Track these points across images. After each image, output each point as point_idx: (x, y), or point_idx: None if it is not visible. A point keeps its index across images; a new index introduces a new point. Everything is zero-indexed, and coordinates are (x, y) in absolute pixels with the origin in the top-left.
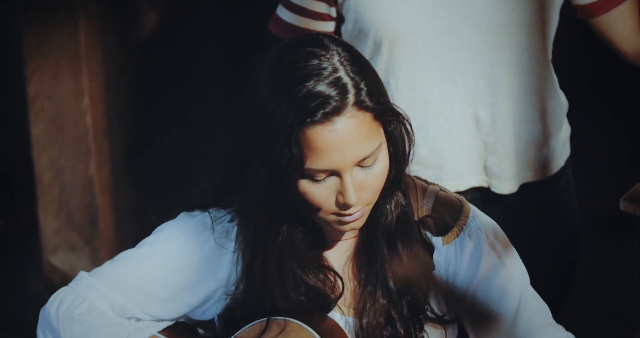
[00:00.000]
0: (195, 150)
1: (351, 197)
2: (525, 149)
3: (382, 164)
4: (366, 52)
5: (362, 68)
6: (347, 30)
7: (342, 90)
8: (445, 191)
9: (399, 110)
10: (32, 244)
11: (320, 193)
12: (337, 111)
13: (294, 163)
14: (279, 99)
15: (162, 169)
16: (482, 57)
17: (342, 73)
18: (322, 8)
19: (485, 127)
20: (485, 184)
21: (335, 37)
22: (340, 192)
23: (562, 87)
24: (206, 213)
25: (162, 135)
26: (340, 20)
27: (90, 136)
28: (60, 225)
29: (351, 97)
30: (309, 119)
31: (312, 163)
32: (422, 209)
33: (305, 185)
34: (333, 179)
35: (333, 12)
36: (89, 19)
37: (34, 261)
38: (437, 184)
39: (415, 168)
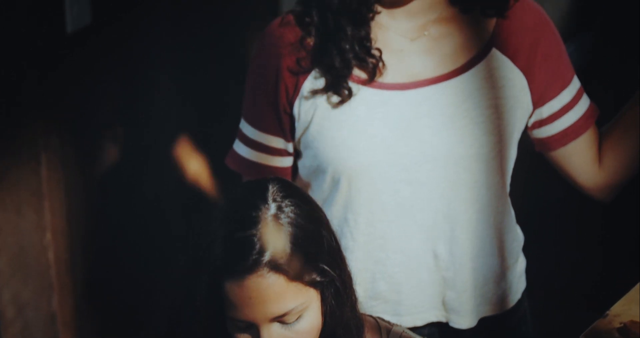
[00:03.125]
0: (157, 284)
1: None
2: (483, 284)
3: (308, 323)
4: (324, 188)
5: (301, 227)
6: (304, 165)
7: (260, 249)
8: (408, 333)
9: (332, 272)
10: None
11: (243, 336)
12: (248, 269)
13: (214, 305)
14: (210, 240)
15: (125, 304)
16: (440, 192)
17: (267, 230)
18: (280, 143)
19: (443, 262)
20: (443, 319)
21: (287, 188)
22: None
23: (517, 221)
24: None
25: (125, 268)
26: (297, 155)
27: (53, 271)
28: None
29: (267, 257)
30: (223, 271)
31: (229, 311)
32: None
33: (230, 325)
34: (254, 329)
35: (290, 147)
36: (50, 154)
37: None
38: (401, 326)
39: (374, 303)
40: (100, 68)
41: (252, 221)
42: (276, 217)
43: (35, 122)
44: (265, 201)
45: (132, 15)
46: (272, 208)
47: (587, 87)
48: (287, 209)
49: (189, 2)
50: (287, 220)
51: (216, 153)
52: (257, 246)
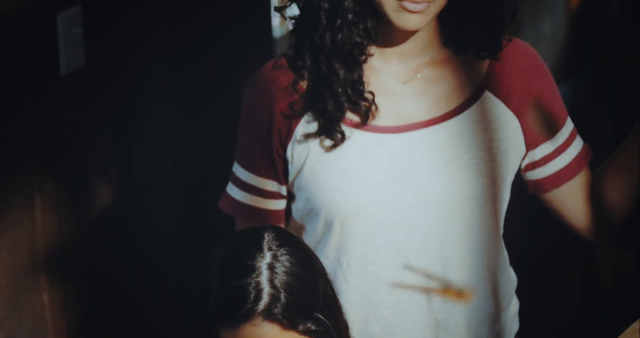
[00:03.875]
0: (153, 327)
1: None
2: (477, 326)
3: None
4: (317, 231)
5: (296, 276)
6: (297, 208)
7: (255, 297)
8: None
9: (327, 321)
10: None
11: None
12: (243, 318)
13: None
14: (205, 289)
15: None
16: (433, 235)
17: (263, 279)
18: (273, 187)
19: (437, 304)
20: None
21: (283, 236)
22: None
23: (511, 263)
24: None
25: (120, 310)
26: (291, 198)
27: (48, 313)
28: None
29: (261, 306)
30: (218, 320)
31: None
32: None
33: None
34: None
35: (284, 190)
36: (44, 196)
37: None
38: None
39: None
40: (94, 110)
41: (247, 270)
42: (271, 266)
43: (29, 164)
44: (260, 249)
45: (127, 57)
46: (268, 256)
47: (581, 127)
48: (282, 258)
49: (183, 43)
50: (283, 268)
51: (211, 194)
52: (252, 295)
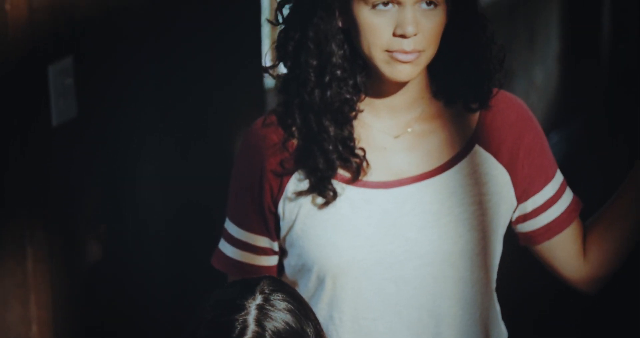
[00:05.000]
0: None
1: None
2: None
3: None
4: (310, 287)
5: (285, 321)
6: (290, 264)
7: (240, 332)
8: None
9: None
10: None
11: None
12: None
13: None
14: (196, 325)
15: None
16: (425, 289)
17: (250, 317)
18: (265, 243)
19: None
20: None
21: (277, 283)
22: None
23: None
24: None
25: None
26: (283, 253)
27: None
28: None
29: None
30: None
31: None
32: None
33: None
34: None
35: (276, 246)
36: (36, 247)
37: None
38: None
39: None
40: (85, 161)
41: (237, 308)
42: (261, 307)
43: (20, 215)
44: (253, 292)
45: (118, 109)
46: (259, 298)
47: (571, 177)
48: (274, 302)
49: (174, 95)
50: (272, 312)
51: (203, 248)
52: (237, 329)
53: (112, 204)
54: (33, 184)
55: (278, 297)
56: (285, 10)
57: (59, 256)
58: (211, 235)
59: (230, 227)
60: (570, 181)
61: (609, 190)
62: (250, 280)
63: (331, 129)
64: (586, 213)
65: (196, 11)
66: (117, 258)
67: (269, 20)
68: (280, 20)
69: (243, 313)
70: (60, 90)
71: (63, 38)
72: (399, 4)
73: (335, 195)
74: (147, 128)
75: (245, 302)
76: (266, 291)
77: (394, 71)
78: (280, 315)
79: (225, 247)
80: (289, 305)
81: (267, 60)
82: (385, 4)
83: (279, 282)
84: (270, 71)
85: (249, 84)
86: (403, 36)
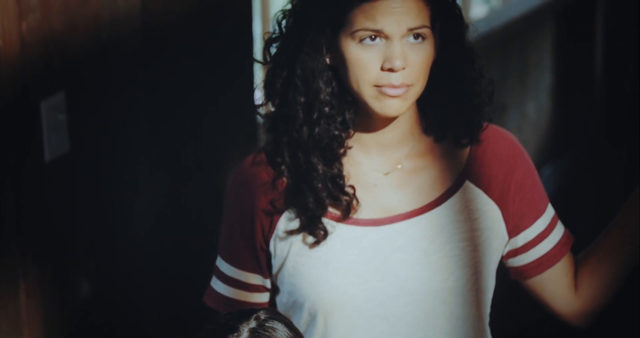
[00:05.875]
0: None
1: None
2: None
3: None
4: (301, 324)
5: None
6: (281, 301)
7: None
8: None
9: None
10: None
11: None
12: None
13: None
14: None
15: None
16: (417, 326)
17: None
18: (257, 280)
19: None
20: None
21: (273, 313)
22: None
23: None
24: None
25: None
26: (275, 290)
27: None
28: None
29: None
30: None
31: None
32: None
33: None
34: None
35: (268, 283)
36: (28, 282)
37: None
38: None
39: None
40: (78, 196)
41: (230, 329)
42: (253, 331)
43: (13, 251)
44: (248, 318)
45: (111, 144)
46: (253, 323)
47: (565, 209)
48: (267, 328)
49: (167, 129)
50: (264, 335)
51: (195, 286)
52: None
53: (104, 239)
54: (26, 219)
55: (272, 324)
56: (273, 49)
57: (52, 292)
58: (204, 272)
59: (222, 265)
60: (562, 214)
61: (600, 224)
62: (248, 308)
63: (320, 167)
64: (578, 247)
65: (189, 46)
66: (110, 295)
67: (256, 60)
68: (268, 59)
69: (235, 334)
70: (53, 125)
71: (55, 73)
72: (386, 38)
73: (326, 234)
74: (139, 163)
75: (240, 325)
76: (262, 318)
77: (383, 106)
78: None
79: (217, 285)
80: (281, 333)
81: (258, 97)
82: (373, 38)
83: (277, 313)
84: (260, 110)
85: (241, 118)
86: (391, 70)
